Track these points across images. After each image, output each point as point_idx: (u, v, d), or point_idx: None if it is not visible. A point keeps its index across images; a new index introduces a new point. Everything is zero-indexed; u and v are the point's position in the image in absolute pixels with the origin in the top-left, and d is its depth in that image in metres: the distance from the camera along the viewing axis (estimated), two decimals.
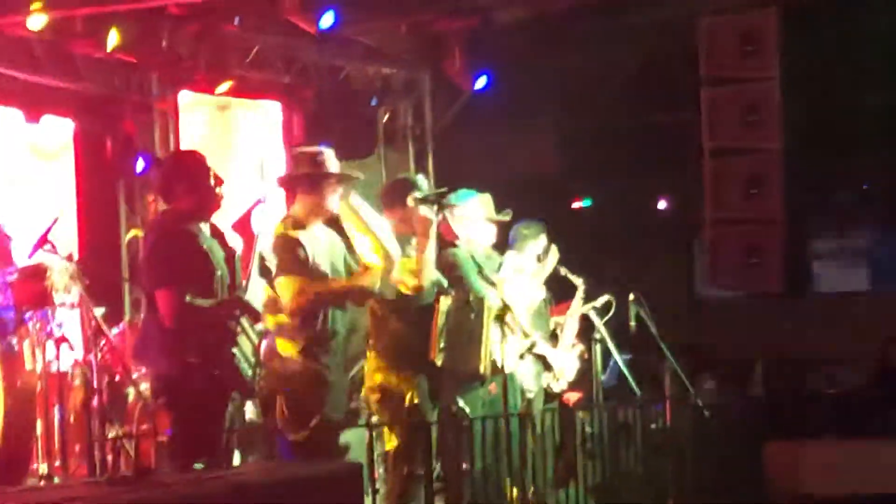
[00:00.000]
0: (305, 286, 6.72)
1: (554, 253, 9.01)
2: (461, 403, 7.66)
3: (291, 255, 6.76)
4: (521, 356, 8.41)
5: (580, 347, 9.24)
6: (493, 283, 7.31)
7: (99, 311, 7.64)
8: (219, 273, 6.45)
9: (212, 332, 6.37)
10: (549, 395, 9.02)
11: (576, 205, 14.51)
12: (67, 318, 8.00)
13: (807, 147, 13.43)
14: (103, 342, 7.48)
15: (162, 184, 6.74)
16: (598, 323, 9.25)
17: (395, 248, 7.06)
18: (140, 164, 11.35)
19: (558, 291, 9.40)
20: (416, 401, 7.22)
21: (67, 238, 8.32)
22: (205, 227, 6.53)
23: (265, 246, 6.82)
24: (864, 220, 15.37)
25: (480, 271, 7.35)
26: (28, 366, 7.86)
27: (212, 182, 6.54)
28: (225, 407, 6.52)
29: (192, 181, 6.52)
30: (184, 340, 6.34)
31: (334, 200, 7.04)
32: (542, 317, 9.12)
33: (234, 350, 6.38)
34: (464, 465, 7.11)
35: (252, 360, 6.52)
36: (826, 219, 15.30)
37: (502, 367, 7.12)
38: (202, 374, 6.31)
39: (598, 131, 14.17)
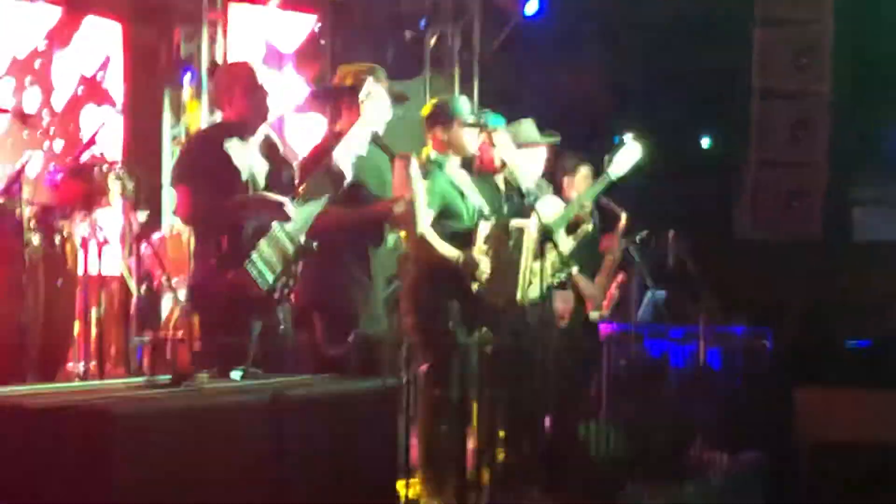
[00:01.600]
0: (338, 214, 6.70)
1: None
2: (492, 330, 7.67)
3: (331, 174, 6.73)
4: (558, 285, 8.40)
5: (620, 277, 9.23)
6: (534, 209, 7.26)
7: (141, 216, 7.65)
8: (244, 177, 6.43)
9: (230, 232, 6.31)
10: (584, 326, 9.04)
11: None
12: (110, 221, 8.02)
13: (853, 93, 13.33)
14: (144, 246, 7.50)
15: (217, 92, 6.74)
16: (637, 256, 9.24)
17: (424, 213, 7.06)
18: (187, 77, 11.37)
19: (601, 223, 9.39)
20: (449, 324, 7.23)
21: (113, 142, 8.32)
22: (253, 136, 6.53)
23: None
24: None
25: (522, 196, 7.32)
26: (69, 266, 7.89)
27: (261, 94, 6.53)
28: (246, 315, 6.41)
29: (244, 90, 6.51)
30: (206, 243, 6.36)
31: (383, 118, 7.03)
32: (585, 246, 9.11)
33: (254, 254, 6.26)
34: (496, 391, 7.11)
35: (277, 266, 6.39)
36: (869, 166, 15.20)
37: (540, 294, 7.10)
38: (219, 276, 6.26)
39: (645, 66, 14.08)
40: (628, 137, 8.73)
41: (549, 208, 8.29)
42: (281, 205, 6.35)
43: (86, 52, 10.24)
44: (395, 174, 6.94)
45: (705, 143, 14.95)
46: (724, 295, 9.95)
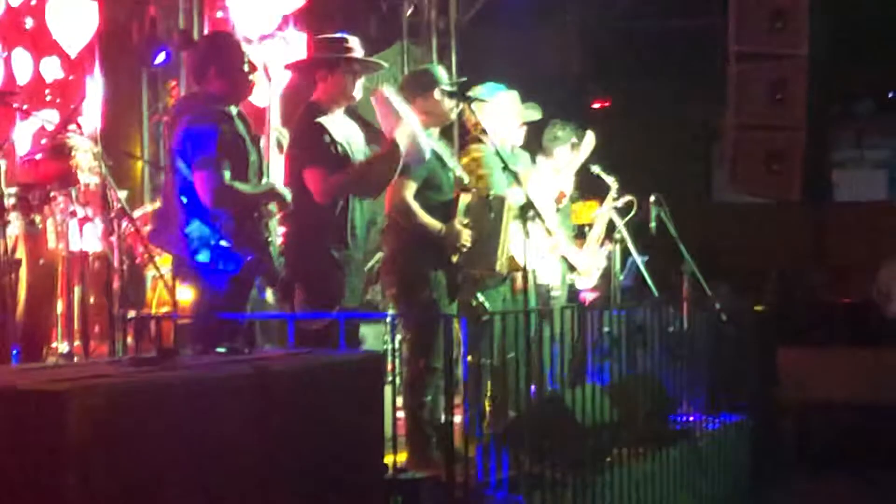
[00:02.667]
0: (330, 177, 6.70)
1: (588, 144, 8.98)
2: (481, 298, 7.69)
3: (318, 142, 6.73)
4: (544, 255, 8.43)
5: (608, 247, 9.26)
6: (518, 180, 7.27)
7: (122, 194, 7.64)
8: (252, 158, 6.44)
9: (248, 217, 6.36)
10: (571, 293, 9.08)
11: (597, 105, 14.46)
12: (91, 199, 8.00)
13: (831, 55, 13.35)
14: (125, 224, 7.48)
15: (195, 64, 6.70)
16: (619, 223, 9.26)
17: (426, 141, 7.03)
18: (160, 57, 11.35)
19: (585, 190, 9.42)
20: (433, 296, 7.24)
21: (92, 120, 8.29)
22: (234, 111, 6.51)
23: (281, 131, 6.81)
24: (884, 130, 15.34)
25: (506, 167, 7.32)
26: (51, 244, 7.88)
27: (245, 68, 6.50)
28: (249, 292, 6.52)
29: (225, 64, 6.48)
30: (213, 222, 6.35)
31: (356, 88, 7.00)
32: (568, 215, 9.14)
33: (268, 237, 6.40)
34: (483, 360, 7.13)
35: (277, 243, 6.55)
36: (847, 128, 15.26)
37: (524, 265, 7.12)
38: (234, 258, 6.31)
39: (623, 32, 14.10)
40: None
41: (536, 181, 8.33)
42: (282, 195, 6.48)
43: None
44: (380, 114, 6.94)
45: (684, 108, 14.97)
46: (705, 258, 9.97)
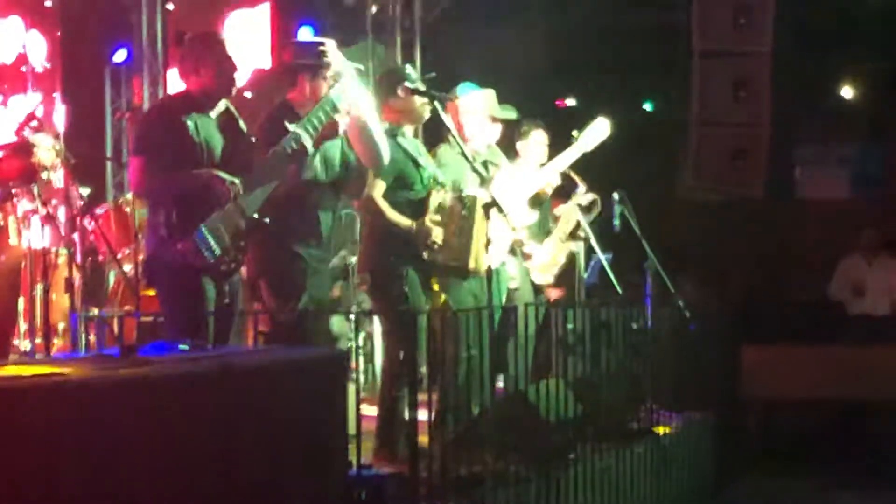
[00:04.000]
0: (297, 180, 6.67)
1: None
2: (446, 297, 7.70)
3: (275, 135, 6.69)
4: (509, 252, 8.45)
5: (571, 245, 9.27)
6: (484, 179, 7.28)
7: (84, 191, 7.61)
8: (198, 149, 6.40)
9: (180, 204, 6.31)
10: (536, 290, 9.09)
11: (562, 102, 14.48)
12: (53, 196, 7.97)
13: (794, 53, 13.41)
14: (88, 221, 7.45)
15: (179, 62, 6.70)
16: (583, 221, 9.27)
17: (385, 146, 7.00)
18: (122, 54, 11.30)
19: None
20: (406, 290, 7.25)
21: (54, 117, 8.26)
22: (213, 110, 6.50)
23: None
24: (847, 127, 15.40)
25: (474, 168, 7.33)
26: (13, 242, 7.84)
27: (227, 65, 6.52)
28: (198, 284, 6.37)
29: (207, 63, 6.49)
30: (157, 214, 6.35)
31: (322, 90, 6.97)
32: (545, 215, 9.16)
33: (203, 226, 6.28)
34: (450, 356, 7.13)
35: (226, 241, 6.36)
36: (810, 125, 15.31)
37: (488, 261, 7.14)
38: (168, 247, 6.28)
39: (587, 29, 14.11)
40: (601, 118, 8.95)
41: (506, 179, 8.35)
42: (231, 183, 6.35)
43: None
44: (351, 135, 6.91)
45: (647, 105, 15.02)
46: (669, 256, 10.00)
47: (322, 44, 6.98)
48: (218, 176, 6.35)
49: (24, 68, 10.04)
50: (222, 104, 6.58)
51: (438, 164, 7.85)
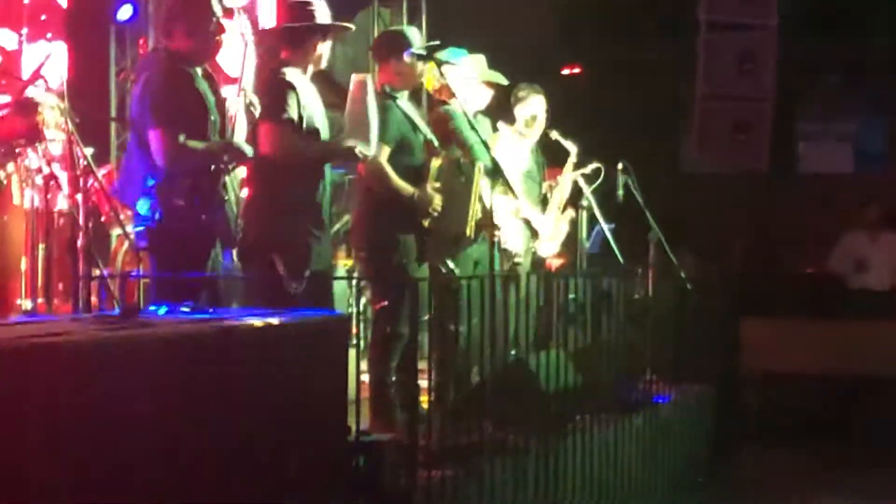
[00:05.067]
0: (291, 142, 6.63)
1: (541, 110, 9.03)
2: (450, 264, 7.68)
3: (281, 100, 6.65)
4: (507, 219, 8.44)
5: (570, 212, 9.27)
6: (484, 144, 7.27)
7: (88, 151, 7.57)
8: (212, 118, 6.39)
9: (204, 176, 6.31)
10: (536, 261, 9.08)
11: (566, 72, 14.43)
12: (56, 156, 7.94)
13: (800, 27, 13.38)
14: (91, 182, 7.42)
15: (163, 20, 6.65)
16: (586, 190, 9.26)
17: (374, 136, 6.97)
18: (127, 11, 11.20)
19: (550, 157, 9.41)
20: (402, 259, 7.22)
21: (58, 76, 8.20)
22: (199, 70, 6.46)
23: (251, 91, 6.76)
24: (851, 102, 15.38)
25: (473, 129, 7.31)
26: (16, 201, 7.82)
27: (212, 28, 6.44)
28: (209, 253, 6.42)
29: (193, 22, 6.42)
30: (171, 182, 6.30)
31: (323, 53, 6.94)
32: (534, 180, 9.13)
33: (225, 196, 6.34)
34: (451, 326, 7.12)
35: (235, 209, 6.48)
36: (814, 100, 15.29)
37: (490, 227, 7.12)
38: (189, 217, 6.26)
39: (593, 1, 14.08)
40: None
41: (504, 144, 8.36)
42: (244, 151, 6.38)
43: None
44: (351, 97, 6.87)
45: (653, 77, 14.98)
46: (672, 228, 9.99)
47: (308, 2, 6.92)
48: (238, 147, 6.37)
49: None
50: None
51: (447, 125, 7.84)
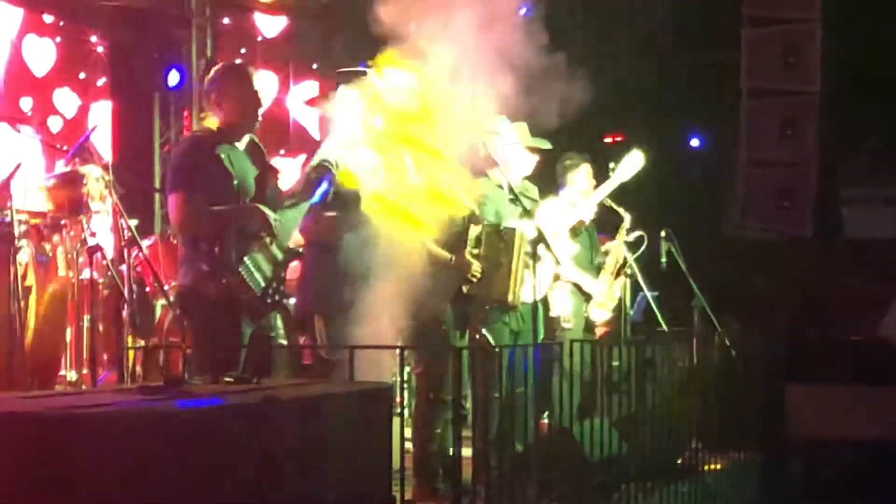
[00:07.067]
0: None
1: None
2: (484, 332, 7.66)
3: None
4: (552, 285, 8.43)
5: (623, 279, 9.24)
6: (528, 211, 7.27)
7: (132, 223, 7.64)
8: (235, 182, 6.41)
9: (223, 238, 6.32)
10: (588, 325, 9.06)
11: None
12: (101, 228, 8.00)
13: (841, 91, 13.34)
14: (135, 252, 7.48)
15: (207, 94, 6.73)
16: (630, 257, 9.25)
17: None
18: (174, 77, 11.33)
19: (601, 223, 9.41)
20: (443, 327, 7.21)
21: (103, 148, 8.32)
22: (240, 143, 6.52)
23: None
24: (894, 167, 15.31)
25: (515, 199, 7.32)
26: (61, 272, 7.88)
27: (253, 101, 6.52)
28: (237, 318, 6.40)
29: (234, 96, 6.50)
30: (197, 247, 6.35)
31: None
32: (584, 247, 9.13)
33: (246, 259, 6.31)
34: (494, 394, 7.10)
35: (268, 273, 6.42)
36: (857, 164, 15.23)
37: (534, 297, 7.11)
38: (213, 281, 6.28)
39: (634, 64, 14.10)
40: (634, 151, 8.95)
41: (548, 211, 8.34)
42: (267, 215, 6.38)
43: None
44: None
45: (695, 142, 14.98)
46: (714, 293, 9.95)
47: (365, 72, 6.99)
48: (262, 211, 6.37)
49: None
50: (247, 136, 6.59)
51: (483, 196, 7.84)
